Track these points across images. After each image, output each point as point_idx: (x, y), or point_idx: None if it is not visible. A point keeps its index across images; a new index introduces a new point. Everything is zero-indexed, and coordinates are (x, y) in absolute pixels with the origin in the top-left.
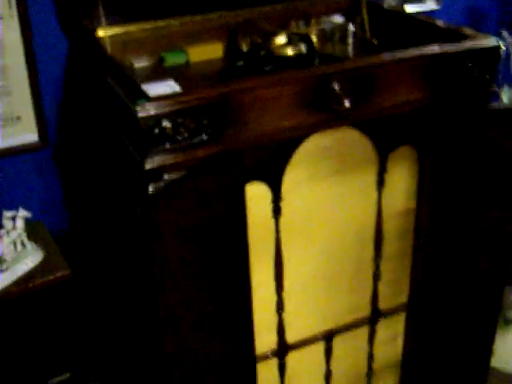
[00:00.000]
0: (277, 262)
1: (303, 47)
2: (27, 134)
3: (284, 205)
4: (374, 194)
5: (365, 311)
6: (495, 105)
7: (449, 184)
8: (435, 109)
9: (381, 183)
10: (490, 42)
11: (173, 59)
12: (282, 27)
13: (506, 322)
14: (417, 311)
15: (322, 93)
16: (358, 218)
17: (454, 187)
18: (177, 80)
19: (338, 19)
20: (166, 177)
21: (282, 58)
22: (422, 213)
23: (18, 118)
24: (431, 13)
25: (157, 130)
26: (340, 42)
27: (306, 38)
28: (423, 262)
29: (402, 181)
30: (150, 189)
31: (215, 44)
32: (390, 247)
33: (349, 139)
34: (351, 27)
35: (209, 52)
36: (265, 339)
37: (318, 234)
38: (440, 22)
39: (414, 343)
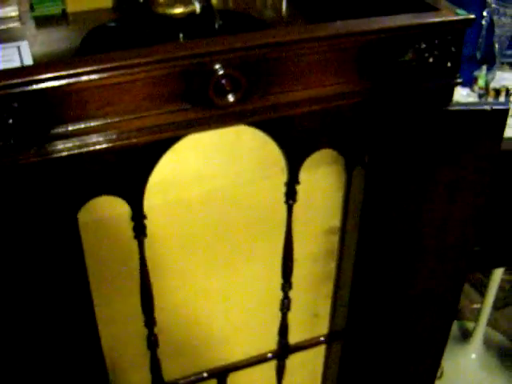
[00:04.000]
0: (143, 291)
1: (197, 5)
2: None
3: (150, 223)
4: (281, 210)
5: (271, 345)
6: (457, 104)
7: (384, 198)
8: (371, 106)
9: (291, 197)
10: (455, 13)
11: (44, 8)
12: None
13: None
14: (342, 342)
15: (197, 79)
16: (261, 237)
17: (391, 202)
18: (34, 40)
19: None
20: None
21: (167, 18)
22: (349, 232)
23: None
24: None
25: None
26: None
27: None
28: (350, 288)
29: (322, 193)
30: None
31: None
32: (305, 272)
33: (246, 140)
34: None
35: (94, 0)
36: (137, 377)
37: (202, 257)
38: None
39: (337, 380)
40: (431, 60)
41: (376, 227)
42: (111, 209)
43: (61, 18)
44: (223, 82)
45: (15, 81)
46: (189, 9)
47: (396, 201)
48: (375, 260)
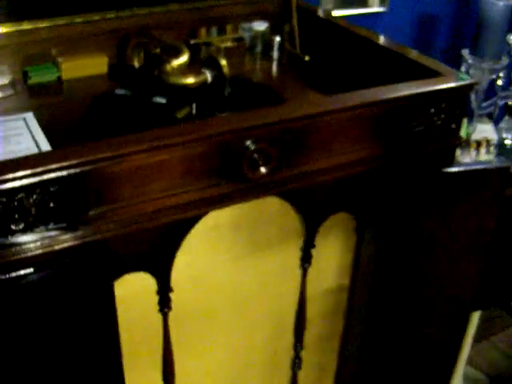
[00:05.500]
0: (165, 363)
1: (208, 74)
2: None
3: (175, 296)
4: (296, 273)
5: None
6: (459, 164)
7: (392, 258)
8: (383, 170)
9: (306, 260)
10: (458, 77)
11: (39, 76)
12: (189, 35)
13: None
14: None
15: (231, 156)
16: (275, 301)
17: (398, 262)
18: (33, 109)
19: (260, 26)
20: None
21: (180, 88)
22: (358, 290)
23: None
24: (376, 16)
25: None
26: (262, 56)
27: (212, 62)
28: (356, 344)
29: (334, 254)
30: None
31: (98, 56)
32: (314, 330)
33: (266, 209)
34: (277, 38)
35: (89, 66)
36: None
37: (221, 325)
38: (383, 40)
39: None
40: (439, 123)
41: (385, 283)
42: (137, 282)
43: (56, 85)
44: (255, 156)
45: (54, 165)
46: (201, 78)
47: (405, 256)
48: (385, 313)
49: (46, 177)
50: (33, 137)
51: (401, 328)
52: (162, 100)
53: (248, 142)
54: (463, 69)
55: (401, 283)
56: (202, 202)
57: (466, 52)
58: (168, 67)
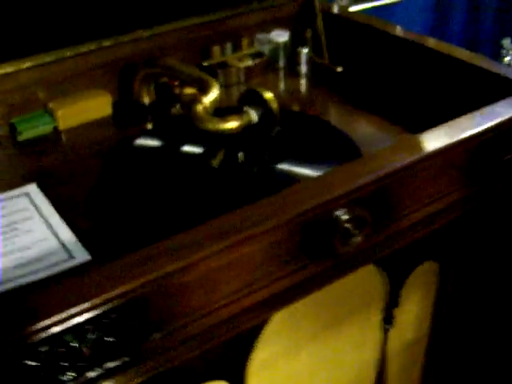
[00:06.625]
0: None
1: (254, 114)
2: None
3: None
4: (377, 335)
5: None
6: None
7: (479, 302)
8: (474, 210)
9: (388, 321)
10: None
11: (31, 129)
12: (201, 55)
13: None
14: None
15: (318, 231)
16: (353, 370)
17: (485, 306)
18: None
19: (281, 37)
20: None
21: (219, 134)
22: (439, 339)
23: None
24: (390, 8)
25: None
26: (288, 71)
27: (253, 97)
28: None
29: (414, 306)
30: None
31: (99, 95)
32: None
33: (350, 278)
34: (304, 50)
35: (90, 109)
36: None
37: None
38: (405, 33)
39: None
40: None
41: (470, 329)
42: None
43: (54, 139)
44: (348, 225)
45: (105, 296)
46: (244, 121)
47: (492, 299)
48: (468, 358)
49: (96, 312)
50: (45, 220)
51: (485, 372)
52: (197, 150)
53: (338, 212)
54: (507, 59)
55: (486, 327)
56: (286, 293)
57: (508, 42)
58: (199, 109)
